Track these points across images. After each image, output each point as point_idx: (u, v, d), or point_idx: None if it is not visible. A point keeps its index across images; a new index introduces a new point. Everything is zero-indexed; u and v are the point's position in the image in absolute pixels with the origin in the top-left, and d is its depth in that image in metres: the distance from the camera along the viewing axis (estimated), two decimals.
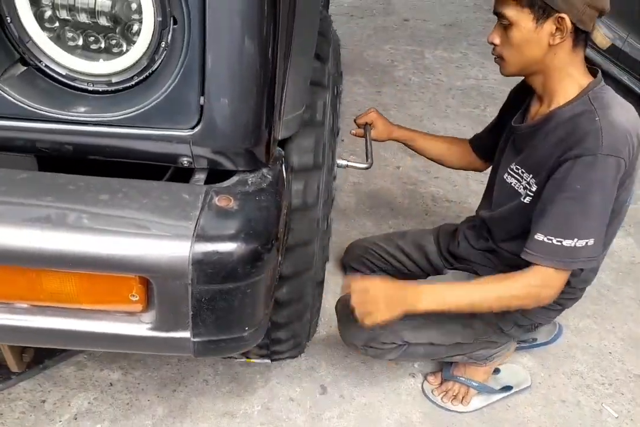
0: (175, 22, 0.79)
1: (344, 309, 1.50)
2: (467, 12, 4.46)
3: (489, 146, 1.66)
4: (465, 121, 3.09)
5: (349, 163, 1.56)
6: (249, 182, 0.88)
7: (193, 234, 0.76)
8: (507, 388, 1.72)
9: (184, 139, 0.83)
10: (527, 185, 1.38)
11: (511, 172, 1.42)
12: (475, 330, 1.53)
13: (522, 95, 1.47)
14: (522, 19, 1.23)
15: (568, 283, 1.45)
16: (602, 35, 1.28)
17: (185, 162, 0.86)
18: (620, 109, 1.27)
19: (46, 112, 0.79)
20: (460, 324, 1.52)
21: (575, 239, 1.23)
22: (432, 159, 1.87)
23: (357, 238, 2.06)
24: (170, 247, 0.75)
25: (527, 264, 1.31)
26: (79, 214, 0.76)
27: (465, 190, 2.60)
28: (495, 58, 1.35)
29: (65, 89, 0.83)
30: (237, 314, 0.84)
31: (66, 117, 0.80)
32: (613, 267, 2.24)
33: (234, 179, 0.88)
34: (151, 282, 0.79)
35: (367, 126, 1.81)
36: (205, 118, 0.82)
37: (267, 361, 1.44)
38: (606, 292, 2.14)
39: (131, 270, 0.76)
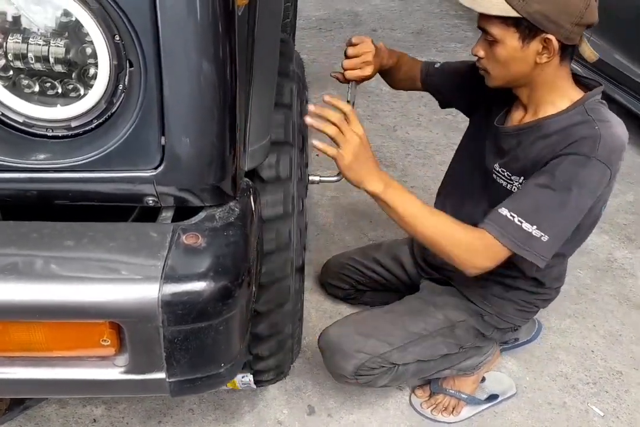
0: (131, 65, 0.79)
1: (326, 344, 1.50)
2: (433, 19, 4.51)
3: (437, 85, 1.63)
4: (438, 128, 3.12)
5: (322, 178, 1.48)
6: (217, 217, 0.88)
7: (161, 276, 0.76)
8: (494, 397, 1.73)
9: (147, 179, 0.83)
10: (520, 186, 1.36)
11: (496, 173, 1.40)
12: (457, 339, 1.54)
13: (505, 94, 1.40)
14: (507, 37, 1.21)
15: (542, 284, 1.48)
16: (590, 49, 1.26)
17: (151, 201, 0.86)
18: (616, 123, 1.26)
19: (7, 162, 0.79)
20: (440, 335, 1.53)
21: (535, 227, 1.21)
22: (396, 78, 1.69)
23: (337, 253, 2.07)
24: (138, 290, 0.75)
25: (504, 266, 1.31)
26: (44, 262, 0.76)
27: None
28: (479, 70, 1.33)
29: (24, 135, 0.82)
30: (212, 351, 0.83)
31: (26, 165, 0.79)
32: (590, 265, 2.27)
33: (201, 215, 0.88)
34: (122, 326, 0.78)
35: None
36: (167, 157, 0.82)
37: (253, 386, 1.43)
38: (585, 290, 2.17)
39: (100, 316, 0.76)
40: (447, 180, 1.70)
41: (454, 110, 1.74)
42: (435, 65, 1.64)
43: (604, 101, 1.32)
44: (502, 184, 1.39)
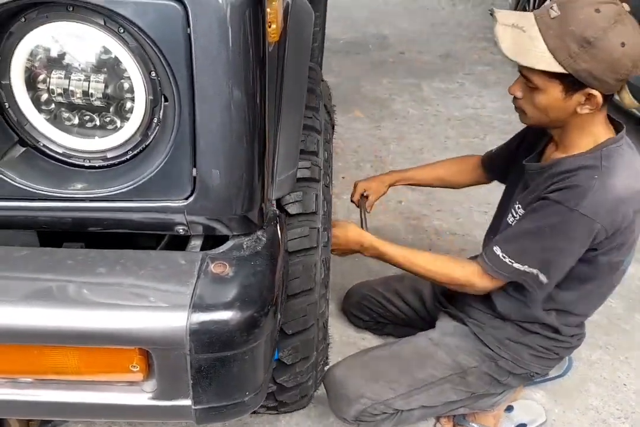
0: (166, 100, 0.83)
1: (330, 385, 1.49)
2: (461, 42, 4.54)
3: (498, 167, 1.67)
4: (465, 151, 3.11)
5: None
6: (244, 246, 0.90)
7: (190, 305, 0.78)
8: (521, 426, 1.69)
9: (178, 209, 0.85)
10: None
11: (513, 210, 1.41)
12: (468, 386, 1.50)
13: (540, 135, 1.44)
14: (550, 87, 1.19)
15: (559, 331, 1.45)
16: (630, 97, 1.23)
17: (181, 230, 0.88)
18: (626, 175, 1.23)
19: (45, 191, 0.83)
20: (449, 382, 1.48)
21: (527, 266, 1.29)
22: (439, 186, 1.92)
23: (362, 278, 2.07)
24: (167, 318, 0.77)
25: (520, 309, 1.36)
26: (78, 289, 0.78)
27: (469, 223, 2.61)
28: (515, 107, 1.32)
29: (63, 166, 0.86)
30: (237, 380, 0.84)
31: (64, 195, 0.83)
32: (623, 294, 2.21)
33: (229, 243, 0.90)
34: (150, 352, 0.80)
35: (362, 198, 1.83)
36: (198, 188, 0.85)
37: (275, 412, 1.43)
38: (617, 320, 2.12)
39: (130, 343, 0.78)
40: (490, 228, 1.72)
41: (480, 133, 1.77)
42: (492, 151, 1.73)
43: (630, 146, 1.29)
44: (509, 220, 1.41)
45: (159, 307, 0.78)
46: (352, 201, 1.85)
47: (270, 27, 0.86)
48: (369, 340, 1.95)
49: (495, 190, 1.80)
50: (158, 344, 0.77)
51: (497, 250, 1.31)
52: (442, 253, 2.39)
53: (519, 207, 1.38)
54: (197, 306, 0.78)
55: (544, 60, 1.15)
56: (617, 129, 1.31)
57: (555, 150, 1.37)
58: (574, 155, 1.28)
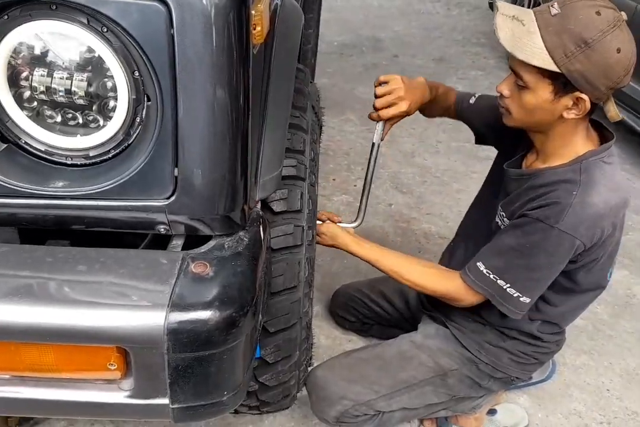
0: (149, 99, 0.83)
1: (312, 387, 1.49)
2: (455, 46, 4.56)
3: (470, 120, 1.61)
4: (456, 156, 3.13)
5: (340, 224, 1.56)
6: (226, 246, 0.90)
7: (168, 304, 0.78)
8: None
9: (159, 208, 0.86)
10: None
11: (498, 212, 1.40)
12: (449, 388, 1.50)
13: (519, 138, 1.41)
14: (540, 87, 1.17)
15: (539, 338, 1.45)
16: (615, 110, 1.22)
17: (162, 229, 0.89)
18: (605, 190, 1.21)
19: (26, 188, 0.83)
20: (430, 384, 1.49)
21: (508, 285, 1.28)
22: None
23: (351, 279, 2.07)
24: (145, 317, 0.77)
25: (501, 314, 1.35)
26: (57, 286, 0.79)
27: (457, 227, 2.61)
28: (500, 106, 1.30)
29: (44, 163, 0.86)
30: (215, 379, 0.85)
31: (45, 192, 0.83)
32: (609, 300, 2.23)
33: (211, 243, 0.90)
34: (128, 351, 0.80)
35: (372, 156, 1.57)
36: (179, 188, 0.85)
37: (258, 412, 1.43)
38: (602, 326, 2.13)
39: (107, 341, 0.78)
40: (461, 227, 1.72)
41: (472, 137, 1.73)
42: (470, 101, 1.59)
43: (611, 159, 1.26)
44: (497, 222, 1.40)
45: (137, 306, 0.78)
46: (372, 112, 1.49)
47: (255, 29, 0.86)
48: (355, 342, 1.96)
49: None
50: (136, 342, 0.78)
51: (480, 265, 1.31)
52: (431, 257, 2.42)
53: (503, 215, 1.37)
54: (176, 305, 0.78)
55: (539, 56, 1.13)
56: (607, 138, 1.29)
57: (535, 159, 1.36)
58: (554, 167, 1.27)
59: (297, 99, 1.28)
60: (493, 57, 4.36)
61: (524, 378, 1.57)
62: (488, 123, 1.54)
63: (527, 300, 1.29)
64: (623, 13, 1.17)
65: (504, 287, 1.28)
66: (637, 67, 1.18)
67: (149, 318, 0.77)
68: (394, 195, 2.80)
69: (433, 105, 1.62)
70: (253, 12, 0.85)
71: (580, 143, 1.27)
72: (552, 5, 1.17)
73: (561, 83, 1.16)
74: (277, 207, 1.10)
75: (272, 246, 1.07)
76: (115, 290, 0.80)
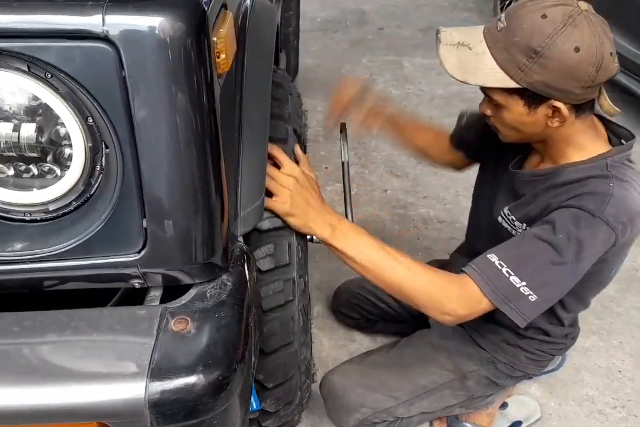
0: (107, 147, 0.75)
1: (329, 394, 1.46)
2: (442, 14, 4.39)
3: (472, 143, 1.53)
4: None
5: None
6: (207, 295, 0.84)
7: (147, 373, 0.72)
8: (517, 424, 1.68)
9: (130, 263, 0.79)
10: None
11: (503, 215, 1.31)
12: (467, 390, 1.47)
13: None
14: (511, 103, 1.11)
15: (552, 335, 1.39)
16: (609, 104, 1.13)
17: (137, 284, 0.82)
18: (637, 188, 1.13)
19: None
20: (449, 388, 1.45)
21: (524, 283, 1.09)
22: (413, 152, 1.68)
23: (350, 276, 2.02)
24: (124, 390, 0.72)
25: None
26: (25, 362, 0.72)
27: (457, 208, 2.55)
28: (491, 126, 1.23)
29: (1, 221, 0.79)
30: None
31: (3, 257, 0.76)
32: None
33: (191, 292, 0.84)
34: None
35: (345, 173, 1.48)
36: (150, 240, 0.78)
37: None
38: (609, 303, 2.09)
39: (86, 418, 0.73)
40: (466, 238, 1.63)
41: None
42: (461, 123, 1.54)
43: (632, 162, 1.19)
44: (506, 228, 1.30)
45: (114, 378, 0.72)
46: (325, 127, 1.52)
47: (219, 57, 0.78)
48: (359, 341, 1.92)
49: None
50: (117, 418, 0.72)
51: (492, 257, 1.12)
52: (431, 243, 2.37)
53: (513, 219, 1.28)
54: (156, 373, 0.72)
55: (494, 76, 1.06)
56: (621, 137, 1.20)
57: (541, 161, 1.27)
58: (572, 164, 1.18)
59: (278, 126, 1.16)
60: (483, 21, 4.20)
61: (538, 373, 1.54)
62: (480, 133, 1.45)
63: (539, 304, 1.13)
64: (582, 3, 1.06)
65: (517, 285, 1.09)
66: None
67: (128, 391, 0.71)
68: (389, 180, 2.72)
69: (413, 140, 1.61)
70: (215, 38, 0.76)
71: (587, 143, 1.18)
72: (499, 20, 1.08)
73: (529, 96, 1.08)
74: (264, 265, 1.01)
75: (262, 307, 1.00)
76: (89, 361, 0.74)
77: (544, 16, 1.03)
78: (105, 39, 0.67)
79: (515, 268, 1.10)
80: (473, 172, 2.76)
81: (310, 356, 1.32)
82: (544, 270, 1.10)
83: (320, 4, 4.34)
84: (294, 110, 1.23)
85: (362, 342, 1.92)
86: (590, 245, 1.09)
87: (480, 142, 1.48)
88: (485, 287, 1.11)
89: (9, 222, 0.79)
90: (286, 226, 1.07)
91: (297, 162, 1.18)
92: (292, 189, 1.08)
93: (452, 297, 1.13)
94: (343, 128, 1.52)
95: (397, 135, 1.63)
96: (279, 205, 1.07)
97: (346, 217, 1.33)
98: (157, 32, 0.68)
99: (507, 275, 1.10)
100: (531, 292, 1.10)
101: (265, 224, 1.03)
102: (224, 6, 0.84)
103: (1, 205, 0.78)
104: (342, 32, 3.99)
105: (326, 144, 2.91)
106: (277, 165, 1.11)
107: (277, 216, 1.07)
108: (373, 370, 1.48)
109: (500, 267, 1.10)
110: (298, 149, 1.19)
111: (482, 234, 1.48)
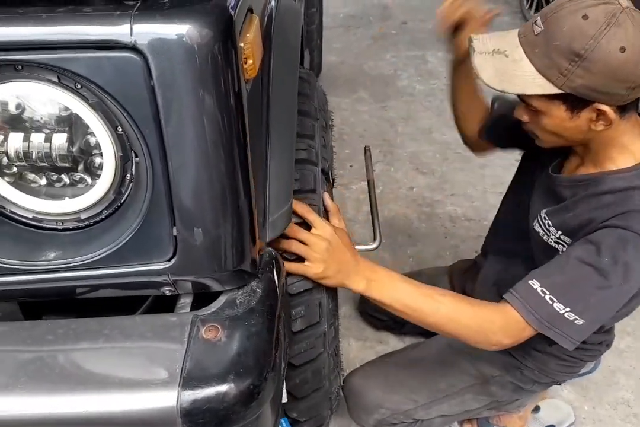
0: (137, 155, 0.75)
1: (349, 393, 1.45)
2: None
3: (503, 135, 1.45)
4: None
5: (357, 247, 1.22)
6: (237, 302, 0.83)
7: (179, 382, 0.72)
8: None
9: (161, 271, 0.79)
10: (560, 241, 1.21)
11: (540, 218, 1.27)
12: (490, 394, 1.44)
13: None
14: (552, 109, 1.06)
15: (586, 341, 1.28)
16: None
17: (167, 291, 0.82)
18: None
19: (15, 264, 0.76)
20: (471, 392, 1.43)
21: (568, 309, 1.07)
22: (456, 111, 1.54)
23: None
24: (156, 399, 0.72)
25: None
26: (59, 371, 0.73)
27: (485, 206, 2.51)
28: (527, 131, 1.18)
29: (34, 230, 0.79)
30: None
31: (37, 267, 0.77)
32: None
33: (221, 299, 0.84)
34: None
35: (371, 190, 1.47)
36: (180, 248, 0.78)
37: None
38: None
39: None
40: (491, 239, 1.59)
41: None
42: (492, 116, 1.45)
43: None
44: (539, 232, 1.26)
45: (146, 386, 0.72)
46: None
47: (246, 63, 0.77)
48: (386, 343, 1.91)
49: (510, 168, 1.67)
50: (149, 426, 0.72)
51: (534, 283, 1.08)
52: (458, 241, 2.33)
53: (549, 224, 1.23)
54: (187, 382, 0.72)
55: (533, 83, 1.02)
56: None
57: (581, 164, 1.21)
58: (615, 171, 1.13)
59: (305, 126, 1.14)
60: (507, 12, 4.12)
61: (569, 379, 1.50)
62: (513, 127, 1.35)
63: (585, 327, 1.10)
64: (623, 0, 1.00)
65: (561, 311, 1.07)
66: None
67: (160, 399, 0.71)
68: (415, 178, 2.69)
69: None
70: (242, 44, 0.75)
71: (632, 144, 1.12)
72: (535, 23, 1.03)
73: (573, 100, 1.03)
74: (295, 327, 1.00)
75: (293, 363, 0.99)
76: (122, 368, 0.74)
77: (585, 17, 0.98)
78: (133, 48, 0.67)
79: (559, 295, 1.07)
80: (501, 168, 2.72)
81: (338, 387, 1.33)
82: (589, 295, 1.07)
83: (342, 0, 4.31)
84: (320, 144, 1.19)
85: (389, 344, 1.91)
86: (638, 267, 1.05)
87: (512, 134, 1.38)
88: (528, 316, 1.08)
89: (42, 231, 0.80)
90: (318, 285, 1.05)
91: (326, 211, 1.16)
92: (325, 254, 1.05)
93: (496, 329, 1.12)
94: (367, 150, 1.58)
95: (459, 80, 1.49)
96: (312, 270, 1.05)
97: (374, 237, 1.31)
98: (184, 39, 0.68)
99: (551, 302, 1.07)
100: (577, 317, 1.07)
101: (296, 288, 1.02)
102: (250, 10, 0.83)
103: (34, 215, 0.79)
104: (364, 28, 3.95)
105: (350, 142, 2.90)
106: (307, 224, 1.07)
107: (308, 278, 1.06)
108: (393, 371, 1.47)
109: (542, 295, 1.08)
110: (327, 199, 1.16)
111: (510, 235, 1.44)
